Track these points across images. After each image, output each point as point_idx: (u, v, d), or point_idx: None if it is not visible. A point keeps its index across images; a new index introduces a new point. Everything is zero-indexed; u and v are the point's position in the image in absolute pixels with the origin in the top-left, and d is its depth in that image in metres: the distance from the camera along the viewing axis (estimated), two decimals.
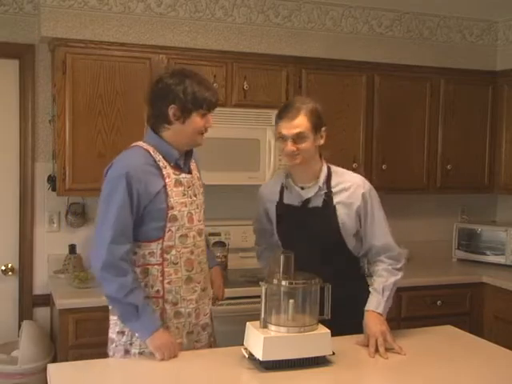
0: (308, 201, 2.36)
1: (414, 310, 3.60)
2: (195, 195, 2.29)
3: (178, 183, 2.22)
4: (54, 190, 3.38)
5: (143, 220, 2.17)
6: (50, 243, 3.57)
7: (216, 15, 3.53)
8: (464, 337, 2.43)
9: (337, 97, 3.72)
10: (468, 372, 2.02)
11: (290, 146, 2.26)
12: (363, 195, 2.33)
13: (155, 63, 3.38)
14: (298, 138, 2.25)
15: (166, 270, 2.19)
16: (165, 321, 2.20)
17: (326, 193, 2.33)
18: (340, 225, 2.32)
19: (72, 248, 3.50)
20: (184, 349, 2.20)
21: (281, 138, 2.30)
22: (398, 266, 2.36)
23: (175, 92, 2.17)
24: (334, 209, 2.32)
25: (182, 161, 2.27)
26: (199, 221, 2.29)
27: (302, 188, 2.37)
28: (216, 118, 3.57)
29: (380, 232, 2.36)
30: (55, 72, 3.27)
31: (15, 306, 3.57)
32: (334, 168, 2.40)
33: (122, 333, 2.22)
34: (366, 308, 2.27)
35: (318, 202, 2.34)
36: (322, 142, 2.33)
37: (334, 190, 2.34)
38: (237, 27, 3.57)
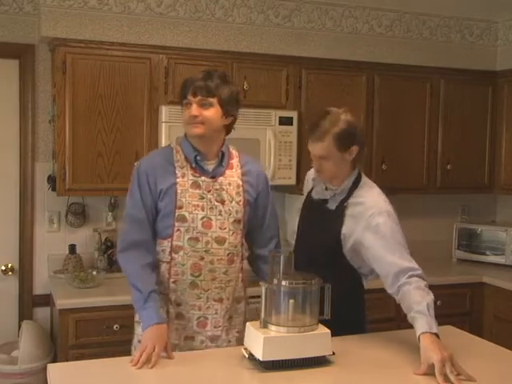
0: (326, 201, 2.38)
1: None
2: (221, 201, 2.22)
3: (196, 185, 2.20)
4: (54, 190, 3.38)
5: (157, 216, 2.22)
6: (50, 243, 3.57)
7: (216, 15, 3.53)
8: (464, 337, 2.43)
9: (337, 97, 3.71)
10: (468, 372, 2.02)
11: (315, 163, 2.32)
12: (370, 216, 2.22)
13: (155, 63, 3.38)
14: (322, 158, 2.28)
15: (173, 269, 2.21)
16: (168, 319, 2.20)
17: (342, 200, 2.31)
18: (341, 235, 2.28)
19: (72, 248, 3.50)
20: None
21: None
22: (426, 284, 2.16)
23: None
24: (342, 218, 2.28)
25: (208, 163, 2.23)
26: (222, 228, 2.21)
27: (326, 189, 2.39)
28: None
29: (392, 258, 2.16)
30: (55, 72, 3.27)
31: (15, 306, 3.57)
32: (364, 181, 2.36)
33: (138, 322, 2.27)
34: (419, 332, 2.02)
35: (332, 206, 2.35)
36: (350, 158, 2.29)
37: (350, 201, 2.30)
38: (237, 27, 3.57)
